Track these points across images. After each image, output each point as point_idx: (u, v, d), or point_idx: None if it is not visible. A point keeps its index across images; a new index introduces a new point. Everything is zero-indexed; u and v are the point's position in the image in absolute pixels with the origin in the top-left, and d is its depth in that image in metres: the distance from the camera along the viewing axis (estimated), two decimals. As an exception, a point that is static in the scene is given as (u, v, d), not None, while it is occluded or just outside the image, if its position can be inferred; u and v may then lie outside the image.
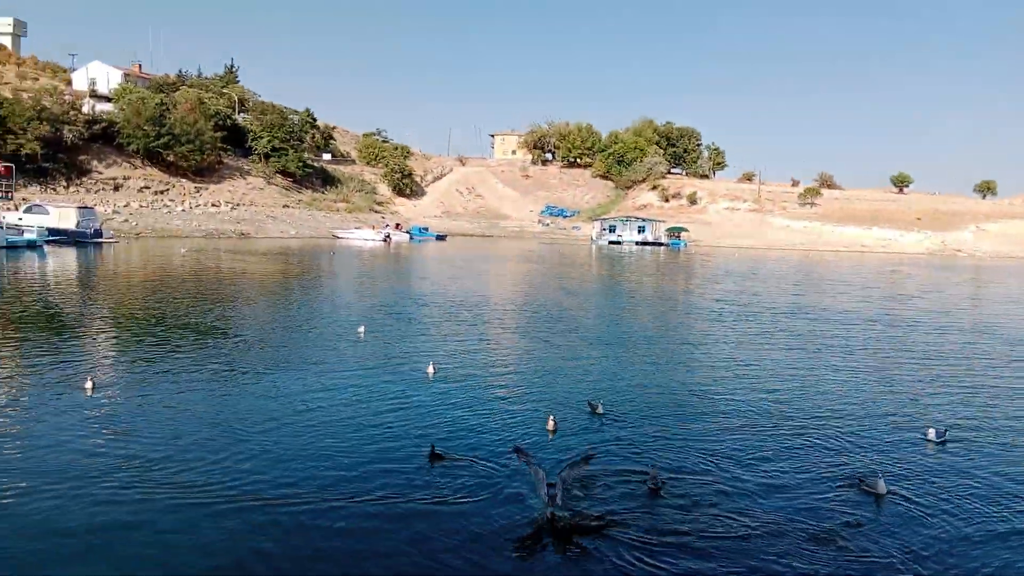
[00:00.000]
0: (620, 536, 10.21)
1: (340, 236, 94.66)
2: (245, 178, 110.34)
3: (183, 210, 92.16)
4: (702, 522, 10.82)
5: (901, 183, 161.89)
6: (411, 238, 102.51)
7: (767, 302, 41.50)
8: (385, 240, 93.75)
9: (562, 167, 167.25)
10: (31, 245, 56.17)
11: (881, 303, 44.00)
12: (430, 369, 19.60)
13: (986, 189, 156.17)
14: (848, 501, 11.87)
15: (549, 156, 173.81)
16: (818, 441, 15.07)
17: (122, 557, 9.21)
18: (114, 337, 23.94)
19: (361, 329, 25.76)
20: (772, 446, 14.62)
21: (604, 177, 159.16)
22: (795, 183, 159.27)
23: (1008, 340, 29.99)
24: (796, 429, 15.88)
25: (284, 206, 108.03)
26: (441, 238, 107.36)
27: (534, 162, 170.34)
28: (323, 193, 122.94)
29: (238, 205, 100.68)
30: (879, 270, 76.95)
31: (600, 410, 16.22)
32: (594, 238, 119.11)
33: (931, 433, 15.06)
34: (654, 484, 11.87)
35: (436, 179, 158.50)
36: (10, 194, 64.08)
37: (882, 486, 12.05)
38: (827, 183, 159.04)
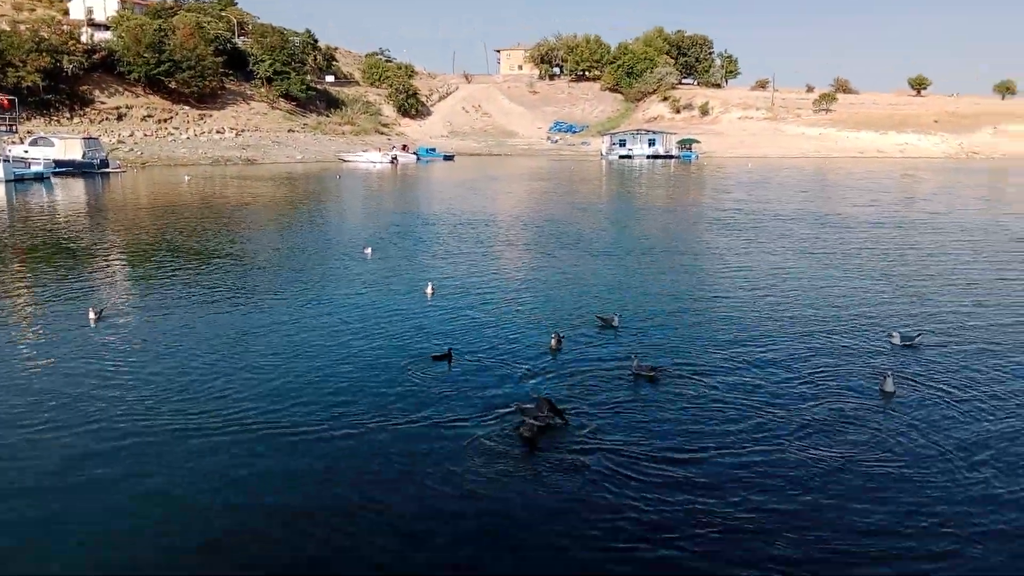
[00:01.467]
0: (610, 427, 10.51)
1: (346, 159, 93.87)
2: (248, 103, 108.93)
3: (188, 138, 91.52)
4: (698, 413, 11.12)
5: (919, 86, 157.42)
6: (418, 159, 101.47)
7: (778, 211, 41.12)
8: (392, 162, 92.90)
9: (570, 81, 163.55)
10: (38, 177, 56.20)
11: (890, 208, 43.47)
12: (428, 290, 19.54)
13: (1005, 90, 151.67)
14: (844, 397, 12.09)
15: (556, 70, 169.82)
16: (818, 344, 15.24)
17: (126, 482, 9.38)
18: (123, 266, 24.19)
19: (368, 250, 25.85)
20: (778, 350, 14.81)
21: (613, 90, 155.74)
22: (810, 89, 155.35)
23: (1014, 238, 29.73)
24: (801, 333, 16.05)
25: (289, 131, 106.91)
26: (449, 158, 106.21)
27: (541, 77, 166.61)
28: (327, 116, 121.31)
29: (242, 131, 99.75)
30: (893, 175, 75.71)
31: (616, 323, 16.34)
32: (604, 153, 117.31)
33: (896, 337, 15.11)
34: (639, 372, 12.98)
35: (442, 98, 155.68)
36: (14, 127, 63.72)
37: (890, 384, 12.22)
38: (843, 88, 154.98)
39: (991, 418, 11.35)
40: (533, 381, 12.90)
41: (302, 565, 7.71)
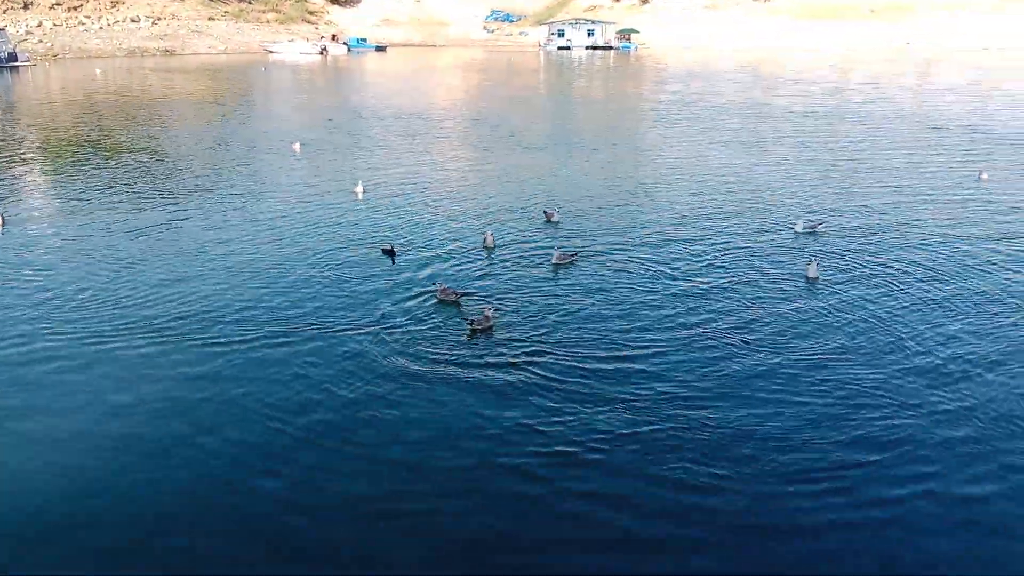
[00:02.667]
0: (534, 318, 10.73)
1: (273, 51, 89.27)
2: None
3: (100, 28, 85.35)
4: (617, 301, 11.38)
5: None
6: (349, 50, 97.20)
7: (714, 103, 41.06)
8: (321, 53, 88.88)
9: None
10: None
11: (822, 99, 43.82)
12: (359, 189, 18.98)
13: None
14: (766, 282, 12.51)
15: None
16: (740, 232, 15.62)
17: (34, 389, 9.20)
18: (32, 167, 22.89)
19: (296, 146, 25.01)
20: (705, 241, 15.11)
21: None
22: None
23: (931, 127, 30.50)
24: (724, 224, 16.38)
25: (209, 18, 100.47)
26: (381, 49, 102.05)
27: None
28: (249, 3, 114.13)
29: (159, 20, 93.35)
30: (829, 65, 76.00)
31: (556, 218, 16.28)
32: (542, 44, 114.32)
33: (798, 225, 15.59)
34: (560, 261, 13.34)
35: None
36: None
37: (813, 270, 12.68)
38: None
39: (901, 295, 11.90)
40: (467, 278, 12.92)
41: (234, 466, 7.78)
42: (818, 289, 12.37)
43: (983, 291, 12.28)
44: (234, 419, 8.51)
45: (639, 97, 47.70)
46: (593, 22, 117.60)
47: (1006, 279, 12.86)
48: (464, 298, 11.81)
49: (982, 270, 13.33)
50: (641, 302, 11.74)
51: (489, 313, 10.82)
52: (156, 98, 41.66)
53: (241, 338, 10.44)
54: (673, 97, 44.35)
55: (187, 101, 41.06)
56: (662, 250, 14.44)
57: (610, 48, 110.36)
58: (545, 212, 16.55)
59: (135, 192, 18.89)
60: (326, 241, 14.98)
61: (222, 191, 19.22)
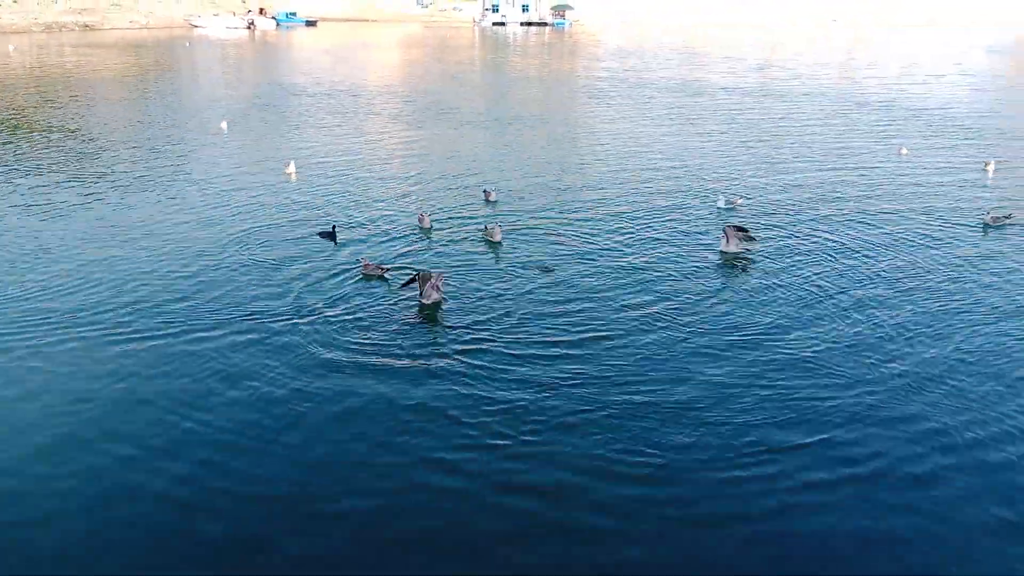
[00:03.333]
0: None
1: (197, 25, 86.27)
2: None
3: (15, 1, 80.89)
4: (547, 282, 11.50)
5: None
6: (278, 25, 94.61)
7: (646, 80, 41.49)
8: (249, 27, 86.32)
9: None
10: None
11: (750, 76, 44.72)
12: (290, 169, 18.47)
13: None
14: (684, 256, 12.79)
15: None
16: (666, 207, 15.90)
17: None
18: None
19: (224, 124, 24.29)
20: (633, 216, 15.32)
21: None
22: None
23: (853, 103, 31.48)
24: (654, 193, 16.65)
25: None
26: (311, 23, 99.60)
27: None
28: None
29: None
30: (757, 43, 77.41)
31: (493, 197, 16.22)
32: (477, 20, 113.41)
33: (720, 201, 15.94)
34: (489, 237, 13.49)
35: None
36: None
37: (728, 244, 13.00)
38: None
39: (825, 269, 12.32)
40: (405, 258, 12.82)
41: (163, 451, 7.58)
42: (740, 264, 12.68)
43: (905, 263, 12.78)
44: (144, 420, 7.98)
45: (575, 74, 47.79)
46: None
47: (931, 253, 13.36)
48: (388, 273, 11.81)
49: (905, 243, 13.87)
50: (572, 283, 11.82)
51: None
52: (73, 75, 39.87)
53: (160, 330, 9.92)
54: (607, 74, 44.64)
55: (106, 78, 39.38)
56: (594, 227, 14.58)
57: (545, 24, 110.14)
58: (484, 191, 16.51)
59: (50, 175, 18.08)
60: (255, 224, 14.57)
61: (143, 173, 18.55)
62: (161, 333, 9.87)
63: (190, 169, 18.99)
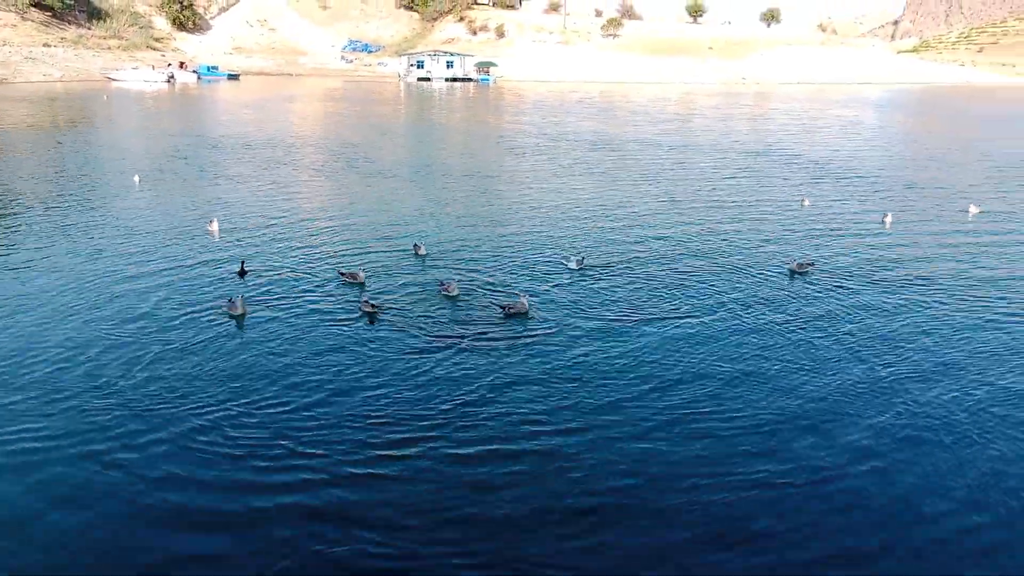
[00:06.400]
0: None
1: (115, 78, 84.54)
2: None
3: (-85, 52, 77.89)
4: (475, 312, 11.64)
5: (695, 12, 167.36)
6: (199, 78, 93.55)
7: (568, 135, 42.71)
8: (169, 81, 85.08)
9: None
10: None
11: (659, 131, 46.57)
12: (213, 226, 17.79)
13: (771, 18, 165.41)
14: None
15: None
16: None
17: None
18: None
19: (136, 178, 23.76)
20: (542, 261, 15.66)
21: (408, 7, 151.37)
22: (599, 13, 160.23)
23: (760, 156, 33.17)
24: (565, 240, 17.09)
25: (44, 45, 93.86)
26: (234, 77, 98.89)
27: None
28: (89, 29, 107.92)
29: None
30: (672, 99, 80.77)
31: (423, 251, 16.27)
32: (402, 75, 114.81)
33: (572, 262, 15.57)
34: (446, 292, 13.51)
35: (222, 10, 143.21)
36: None
37: (524, 303, 12.84)
38: (628, 13, 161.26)
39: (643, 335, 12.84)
40: (346, 315, 12.75)
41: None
42: (645, 315, 13.08)
43: (804, 315, 13.44)
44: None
45: (501, 129, 48.73)
46: (452, 54, 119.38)
47: (834, 301, 14.09)
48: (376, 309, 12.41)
49: (807, 292, 14.58)
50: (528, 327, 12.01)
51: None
52: (-21, 128, 38.39)
53: (44, 411, 9.17)
54: (532, 129, 45.74)
55: (16, 131, 38.09)
56: (529, 276, 14.85)
57: (469, 80, 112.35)
58: (414, 245, 16.60)
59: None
60: (165, 290, 13.74)
61: (42, 230, 17.81)
62: (43, 413, 9.43)
63: (95, 227, 18.20)
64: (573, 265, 15.49)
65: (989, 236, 19.26)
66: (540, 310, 12.95)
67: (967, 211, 21.83)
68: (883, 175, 29.16)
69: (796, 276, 15.34)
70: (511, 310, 12.70)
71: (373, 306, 12.50)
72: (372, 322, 12.20)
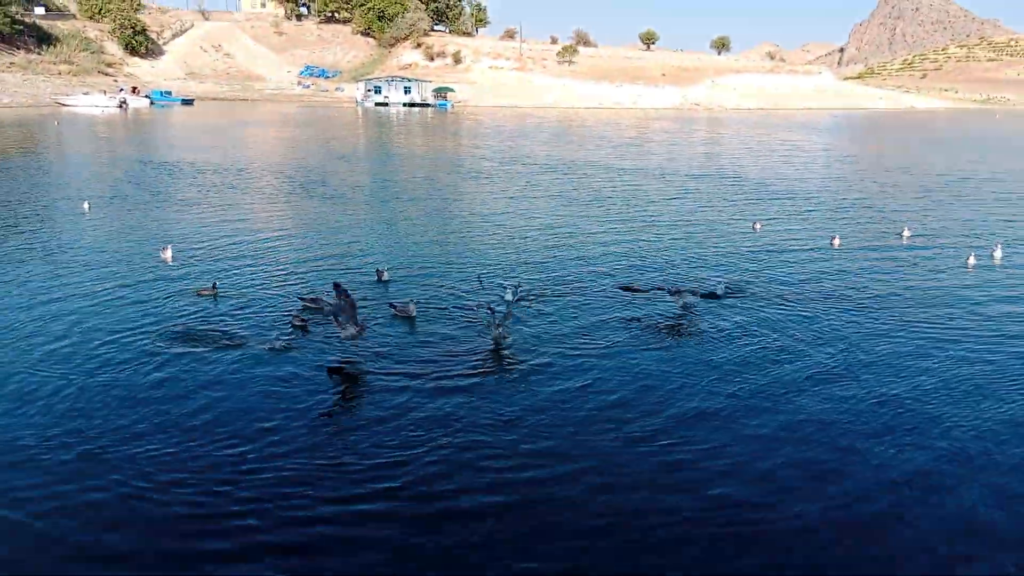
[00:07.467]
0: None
1: (66, 104, 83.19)
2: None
3: None
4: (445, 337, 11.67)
5: (648, 40, 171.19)
6: (152, 103, 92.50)
7: (525, 159, 43.17)
8: (121, 106, 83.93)
9: (319, 23, 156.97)
10: None
11: (609, 155, 47.40)
12: (166, 254, 17.33)
13: (721, 45, 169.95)
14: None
15: (304, 10, 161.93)
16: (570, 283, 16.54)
17: None
18: None
19: (86, 204, 23.35)
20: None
21: (365, 34, 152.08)
22: (554, 40, 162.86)
23: (710, 179, 33.96)
24: (530, 260, 17.28)
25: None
26: (188, 102, 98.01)
27: (287, 16, 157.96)
28: (39, 55, 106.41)
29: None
30: (624, 125, 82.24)
31: (386, 276, 16.16)
32: (359, 100, 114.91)
33: (508, 293, 14.41)
34: (401, 313, 13.52)
35: (176, 35, 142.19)
36: None
37: (411, 309, 13.51)
38: (583, 41, 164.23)
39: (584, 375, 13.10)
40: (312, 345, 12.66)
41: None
42: (589, 343, 13.28)
43: (753, 339, 13.77)
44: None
45: (459, 154, 49.08)
46: (409, 80, 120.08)
47: (790, 327, 14.47)
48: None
49: (763, 319, 14.94)
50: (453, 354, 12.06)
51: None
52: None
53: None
54: (489, 154, 46.16)
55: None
56: (471, 301, 14.92)
57: (427, 105, 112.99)
58: (376, 270, 16.53)
59: None
60: (113, 320, 13.18)
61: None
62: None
63: (38, 256, 17.65)
64: (509, 296, 14.15)
65: (919, 253, 19.94)
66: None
67: (831, 243, 21.02)
68: (825, 197, 30.07)
69: (728, 296, 15.56)
70: (400, 313, 13.54)
71: (303, 320, 12.88)
72: (305, 333, 12.53)
